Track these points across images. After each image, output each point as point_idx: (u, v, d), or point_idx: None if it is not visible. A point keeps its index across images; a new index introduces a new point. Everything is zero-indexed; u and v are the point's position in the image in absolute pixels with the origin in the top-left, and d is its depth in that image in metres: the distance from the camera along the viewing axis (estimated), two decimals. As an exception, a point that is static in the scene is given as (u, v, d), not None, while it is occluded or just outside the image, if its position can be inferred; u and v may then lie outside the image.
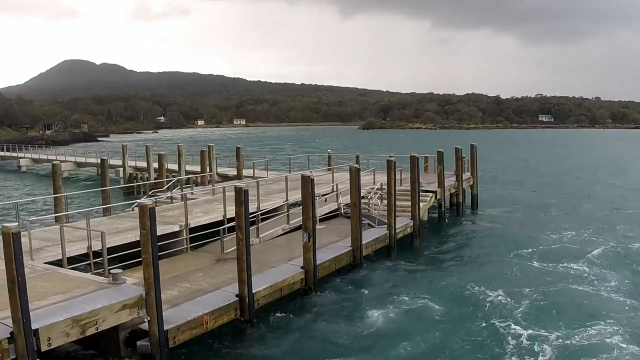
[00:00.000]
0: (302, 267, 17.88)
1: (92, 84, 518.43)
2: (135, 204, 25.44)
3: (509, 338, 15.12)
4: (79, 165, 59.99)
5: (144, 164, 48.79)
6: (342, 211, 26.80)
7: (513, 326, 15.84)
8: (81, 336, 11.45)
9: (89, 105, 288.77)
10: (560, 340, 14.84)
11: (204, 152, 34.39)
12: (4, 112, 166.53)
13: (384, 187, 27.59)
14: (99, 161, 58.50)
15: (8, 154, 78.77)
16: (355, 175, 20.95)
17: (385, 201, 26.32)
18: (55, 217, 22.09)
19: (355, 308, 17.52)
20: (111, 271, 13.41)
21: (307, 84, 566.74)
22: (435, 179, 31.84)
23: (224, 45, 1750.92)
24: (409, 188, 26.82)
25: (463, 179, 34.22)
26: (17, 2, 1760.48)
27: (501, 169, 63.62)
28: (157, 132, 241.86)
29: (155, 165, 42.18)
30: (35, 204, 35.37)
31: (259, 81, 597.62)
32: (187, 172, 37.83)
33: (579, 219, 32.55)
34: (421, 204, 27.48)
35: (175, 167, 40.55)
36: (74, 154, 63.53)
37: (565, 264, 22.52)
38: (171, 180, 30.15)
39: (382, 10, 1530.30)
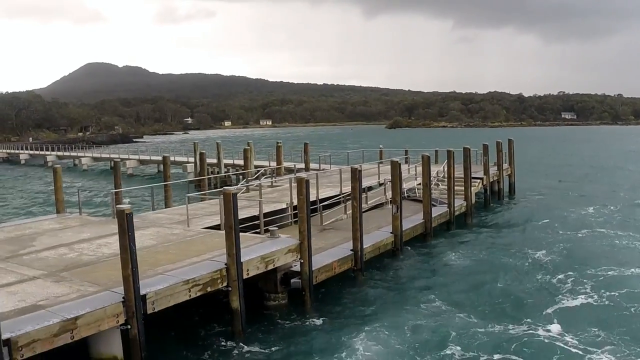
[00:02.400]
0: (391, 232, 22.70)
1: (115, 86, 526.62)
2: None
3: (554, 281, 19.77)
4: (142, 162, 65.30)
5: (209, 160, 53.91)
6: (406, 194, 31.46)
7: (556, 273, 20.62)
8: (265, 270, 16.31)
9: (117, 107, 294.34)
10: (596, 280, 19.55)
11: (279, 147, 39.37)
12: (43, 115, 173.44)
13: (439, 174, 32.42)
14: (161, 158, 64.21)
15: (67, 153, 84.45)
16: (426, 162, 25.74)
17: (440, 186, 31.20)
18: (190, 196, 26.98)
19: (432, 261, 22.76)
20: (270, 229, 18.23)
21: (330, 84, 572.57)
22: (477, 169, 36.53)
23: (246, 46, 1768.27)
24: (462, 175, 31.55)
25: (503, 168, 39.03)
26: (43, 6, 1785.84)
27: (532, 161, 68.04)
28: (187, 132, 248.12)
29: (226, 161, 47.42)
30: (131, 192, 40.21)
31: (281, 82, 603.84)
32: (255, 166, 42.76)
33: (602, 199, 38.20)
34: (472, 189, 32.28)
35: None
36: (136, 152, 68.87)
37: (591, 230, 28.18)
38: (258, 171, 35.02)
39: (405, 10, 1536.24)
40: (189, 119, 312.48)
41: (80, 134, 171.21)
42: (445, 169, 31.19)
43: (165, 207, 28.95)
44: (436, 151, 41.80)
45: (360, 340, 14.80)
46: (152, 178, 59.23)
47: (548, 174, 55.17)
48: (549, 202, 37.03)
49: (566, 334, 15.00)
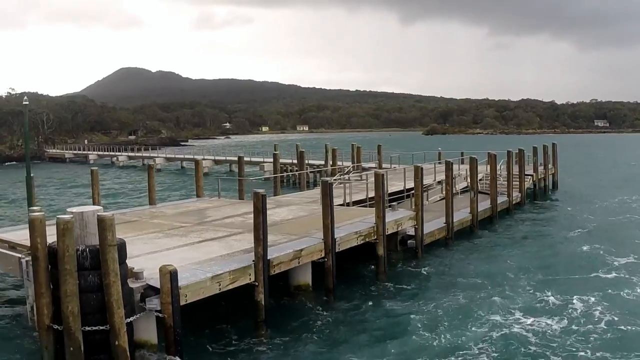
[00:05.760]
0: (469, 212, 29.76)
1: (148, 91, 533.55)
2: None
3: (593, 250, 26.30)
4: (217, 162, 73.00)
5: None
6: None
7: (595, 243, 27.21)
8: (396, 230, 23.46)
9: (156, 112, 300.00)
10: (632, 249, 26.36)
11: (358, 148, 46.73)
12: (97, 118, 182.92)
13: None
14: (236, 158, 71.68)
15: (138, 154, 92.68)
16: (494, 160, 32.82)
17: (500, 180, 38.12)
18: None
19: (501, 235, 30.07)
20: (390, 204, 25.40)
21: (362, 90, 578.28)
22: (527, 167, 43.33)
23: (280, 52, 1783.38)
24: (516, 172, 38.46)
25: (548, 168, 46.15)
26: (84, 11, 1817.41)
27: (569, 164, 74.79)
28: (229, 137, 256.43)
29: (307, 161, 54.58)
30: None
31: (314, 88, 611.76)
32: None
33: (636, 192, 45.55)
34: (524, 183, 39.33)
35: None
36: (211, 153, 76.58)
37: (627, 215, 35.65)
38: (347, 167, 42.40)
39: (442, 17, 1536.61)
40: (227, 124, 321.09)
41: (132, 137, 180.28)
42: (503, 167, 38.17)
43: (274, 195, 35.65)
44: (488, 153, 48.62)
45: (459, 282, 21.70)
46: (223, 175, 66.47)
47: (585, 175, 62.65)
48: (588, 196, 44.55)
49: (617, 284, 21.50)
